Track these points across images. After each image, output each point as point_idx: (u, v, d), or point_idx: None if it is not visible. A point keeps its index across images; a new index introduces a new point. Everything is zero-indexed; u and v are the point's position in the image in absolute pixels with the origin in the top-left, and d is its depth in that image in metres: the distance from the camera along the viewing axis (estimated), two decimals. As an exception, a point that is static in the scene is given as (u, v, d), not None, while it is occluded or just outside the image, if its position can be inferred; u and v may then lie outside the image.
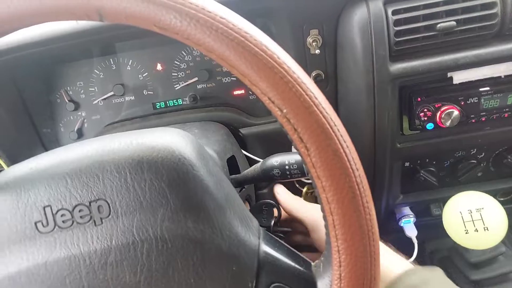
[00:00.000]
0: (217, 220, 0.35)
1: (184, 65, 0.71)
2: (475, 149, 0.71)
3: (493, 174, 0.74)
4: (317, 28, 0.61)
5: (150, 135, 0.37)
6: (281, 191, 0.61)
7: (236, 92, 0.72)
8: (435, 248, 0.89)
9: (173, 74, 0.71)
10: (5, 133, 0.69)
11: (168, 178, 0.34)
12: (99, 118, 0.74)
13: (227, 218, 0.36)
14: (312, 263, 0.39)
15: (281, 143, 0.56)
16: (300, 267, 0.38)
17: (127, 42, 0.70)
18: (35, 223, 0.34)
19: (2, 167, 0.68)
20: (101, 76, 0.72)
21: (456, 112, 0.59)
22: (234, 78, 0.71)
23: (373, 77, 0.58)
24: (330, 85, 0.66)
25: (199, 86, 0.72)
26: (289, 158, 0.49)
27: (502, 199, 0.81)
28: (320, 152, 0.29)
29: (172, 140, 0.37)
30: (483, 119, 0.62)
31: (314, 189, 0.30)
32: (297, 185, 0.75)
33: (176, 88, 0.72)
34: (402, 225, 0.76)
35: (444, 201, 0.77)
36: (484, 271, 0.73)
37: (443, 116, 0.60)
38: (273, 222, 0.57)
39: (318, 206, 0.45)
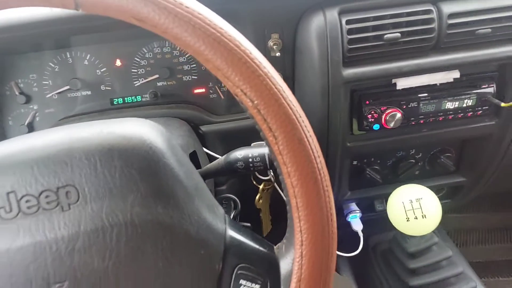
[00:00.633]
0: (186, 206, 0.36)
1: (145, 62, 0.71)
2: (414, 150, 0.78)
3: (428, 173, 0.82)
4: (278, 32, 0.64)
5: (121, 124, 0.38)
6: None
7: (197, 91, 0.73)
8: (377, 242, 0.96)
9: (132, 70, 0.71)
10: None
11: (139, 166, 0.35)
12: (53, 111, 0.72)
13: (196, 205, 0.37)
14: (275, 246, 0.42)
15: (241, 140, 0.59)
16: (263, 249, 0.40)
17: (85, 36, 0.69)
18: None
19: None
20: (56, 70, 0.70)
21: (399, 115, 0.66)
22: (195, 77, 0.72)
23: (328, 80, 0.63)
24: (289, 87, 0.69)
25: (159, 84, 0.72)
26: (252, 151, 0.51)
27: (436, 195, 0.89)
28: (287, 141, 0.32)
29: (143, 129, 0.38)
30: (422, 121, 0.69)
31: (279, 176, 0.33)
32: (254, 182, 0.78)
33: (135, 85, 0.72)
34: (349, 220, 0.81)
35: (386, 197, 0.84)
36: (420, 260, 0.80)
37: (387, 118, 0.66)
38: (232, 215, 0.60)
39: None
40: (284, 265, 0.38)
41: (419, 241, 0.76)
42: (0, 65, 0.69)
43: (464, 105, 0.69)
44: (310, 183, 0.32)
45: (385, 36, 0.60)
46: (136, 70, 0.71)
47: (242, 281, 0.38)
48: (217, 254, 0.38)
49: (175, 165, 0.37)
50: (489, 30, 0.64)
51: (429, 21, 0.62)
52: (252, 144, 0.55)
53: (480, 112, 0.71)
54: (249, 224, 0.63)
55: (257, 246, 0.40)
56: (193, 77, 0.72)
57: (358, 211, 0.82)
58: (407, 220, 0.55)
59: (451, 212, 1.42)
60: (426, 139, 0.72)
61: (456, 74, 0.67)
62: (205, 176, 0.56)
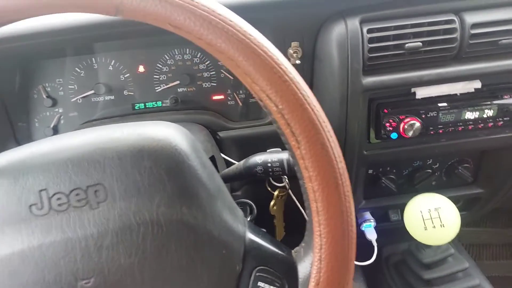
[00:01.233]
0: (209, 208, 0.37)
1: (166, 68, 0.73)
2: (431, 160, 0.78)
3: (445, 183, 0.81)
4: (298, 40, 0.65)
5: (150, 126, 0.39)
6: None
7: (216, 97, 0.74)
8: (390, 253, 0.96)
9: (155, 76, 0.73)
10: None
11: (167, 167, 0.36)
12: (77, 115, 0.74)
13: (218, 207, 0.38)
14: (293, 250, 0.42)
15: (257, 146, 0.59)
16: (282, 253, 0.41)
17: (111, 42, 0.71)
18: (30, 206, 0.34)
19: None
20: (81, 74, 0.72)
21: (417, 124, 0.66)
22: (215, 84, 0.74)
23: (347, 88, 0.63)
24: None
25: (179, 90, 0.74)
26: (271, 157, 0.52)
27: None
28: (310, 145, 0.32)
29: (170, 132, 0.39)
30: (441, 131, 0.69)
31: (300, 181, 0.34)
32: (268, 189, 0.78)
33: (157, 90, 0.74)
34: (363, 229, 0.81)
35: (401, 207, 0.84)
36: (435, 271, 0.79)
37: (406, 127, 0.66)
38: (249, 220, 0.60)
39: None
40: (302, 268, 0.39)
41: (435, 252, 0.75)
42: (29, 69, 0.72)
43: (485, 115, 0.69)
44: (332, 188, 0.32)
45: (406, 45, 0.61)
46: (158, 76, 0.73)
47: (260, 283, 0.38)
48: (238, 256, 0.38)
49: (199, 167, 0.39)
50: (512, 40, 0.64)
51: (451, 31, 0.62)
52: (268, 150, 0.55)
53: (501, 123, 0.71)
54: (264, 230, 0.63)
55: (275, 250, 0.41)
56: (212, 84, 0.74)
57: (372, 220, 0.82)
58: (425, 229, 0.54)
59: (466, 225, 1.40)
60: (445, 149, 0.72)
61: (477, 84, 0.67)
62: (224, 180, 0.57)
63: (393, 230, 0.89)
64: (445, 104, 0.67)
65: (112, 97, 0.74)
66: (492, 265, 1.36)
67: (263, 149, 0.56)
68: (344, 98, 0.64)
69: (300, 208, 0.73)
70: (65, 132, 0.73)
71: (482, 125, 0.70)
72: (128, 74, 0.73)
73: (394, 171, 0.79)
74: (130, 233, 0.35)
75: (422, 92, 0.65)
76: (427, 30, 0.61)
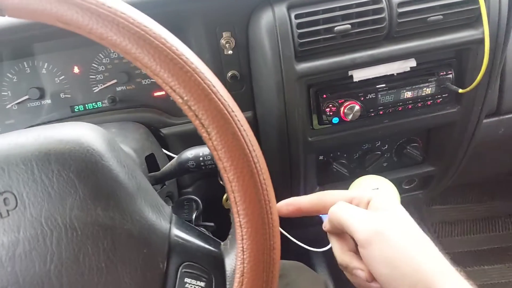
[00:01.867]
0: (127, 207, 0.37)
1: (102, 68, 0.71)
2: (379, 142, 0.79)
3: (396, 164, 0.82)
4: (229, 30, 0.64)
5: (59, 128, 0.38)
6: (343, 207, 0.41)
7: (157, 94, 0.73)
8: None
9: (91, 76, 0.71)
10: None
11: (76, 169, 0.35)
12: (14, 122, 0.72)
13: (138, 205, 0.38)
14: (222, 243, 0.42)
15: (202, 141, 0.58)
16: (209, 247, 0.40)
17: (42, 43, 0.69)
18: None
19: None
20: (14, 80, 0.70)
21: (357, 107, 0.66)
22: (154, 80, 0.72)
23: (282, 76, 0.63)
24: (246, 85, 0.70)
25: (118, 89, 0.72)
26: (203, 150, 0.51)
27: (407, 187, 0.90)
28: (220, 136, 0.32)
29: (81, 132, 0.38)
30: (381, 112, 0.70)
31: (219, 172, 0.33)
32: (221, 182, 0.78)
33: (94, 91, 0.72)
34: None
35: (355, 190, 0.84)
36: None
37: (345, 110, 0.66)
38: (194, 216, 0.60)
39: (376, 216, 0.38)
40: (229, 260, 0.38)
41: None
42: (-43, 78, 0.69)
43: (423, 93, 0.70)
44: (246, 177, 0.32)
45: (336, 28, 0.61)
46: (94, 76, 0.71)
47: (187, 279, 0.38)
48: (161, 253, 0.38)
49: (115, 166, 0.38)
50: (441, 17, 0.64)
51: (379, 11, 0.62)
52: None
53: (440, 100, 0.72)
54: (212, 224, 0.63)
55: (202, 244, 0.40)
56: (152, 80, 0.72)
57: (329, 206, 0.82)
58: None
59: (435, 204, 1.43)
60: (388, 130, 0.73)
61: (412, 63, 0.67)
62: (162, 178, 0.56)
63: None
64: (383, 85, 0.68)
65: (49, 101, 0.72)
66: (462, 240, 1.40)
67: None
68: (280, 86, 0.63)
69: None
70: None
71: (421, 103, 0.71)
72: (63, 76, 0.71)
73: (345, 155, 0.79)
74: (43, 239, 0.34)
75: (359, 75, 0.66)
76: (356, 11, 0.61)
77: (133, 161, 0.56)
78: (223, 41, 0.64)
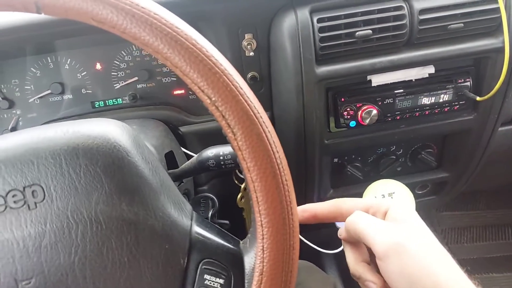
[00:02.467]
0: (151, 203, 0.37)
1: (124, 65, 0.72)
2: (394, 146, 0.79)
3: (410, 169, 0.83)
4: (251, 32, 0.65)
5: (86, 124, 0.39)
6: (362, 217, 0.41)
7: (176, 92, 0.74)
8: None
9: (112, 73, 0.72)
10: None
11: (103, 164, 0.36)
12: (35, 116, 0.73)
13: (161, 202, 0.38)
14: (241, 241, 0.42)
15: (219, 140, 0.59)
16: (229, 245, 0.41)
17: (66, 40, 0.70)
18: None
19: None
20: (37, 74, 0.71)
21: (374, 111, 0.66)
22: (174, 78, 0.73)
23: (302, 79, 0.63)
24: (265, 86, 0.70)
25: (139, 86, 0.73)
26: (223, 150, 0.52)
27: (420, 192, 0.90)
28: (245, 136, 0.32)
29: (108, 128, 0.39)
30: (398, 117, 0.70)
31: (242, 172, 0.34)
32: (236, 182, 0.79)
33: (115, 88, 0.73)
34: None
35: (368, 194, 0.85)
36: None
37: (363, 114, 0.67)
38: (210, 213, 0.60)
39: (394, 228, 0.37)
40: (249, 259, 0.39)
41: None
42: (-17, 72, 0.70)
43: (441, 100, 0.70)
44: (269, 178, 0.33)
45: (357, 33, 0.61)
46: (116, 73, 0.72)
47: (206, 276, 0.38)
48: (182, 249, 0.39)
49: (140, 163, 0.39)
50: (461, 25, 0.64)
51: (400, 17, 0.63)
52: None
53: (457, 107, 0.72)
54: (227, 222, 0.64)
55: (222, 242, 0.41)
56: (172, 78, 0.73)
57: (342, 209, 0.82)
58: None
59: (446, 210, 1.43)
60: (404, 135, 0.73)
61: (431, 69, 0.67)
62: (180, 176, 0.57)
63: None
64: (401, 90, 0.68)
65: (71, 96, 0.73)
66: (472, 247, 1.39)
67: (225, 142, 0.55)
68: (300, 89, 0.64)
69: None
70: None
71: (438, 109, 0.71)
72: (85, 72, 0.72)
73: (359, 159, 0.79)
74: (69, 232, 0.35)
75: (377, 80, 0.66)
76: (377, 17, 0.62)
77: (153, 154, 0.57)
78: (244, 43, 0.65)
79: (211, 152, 0.53)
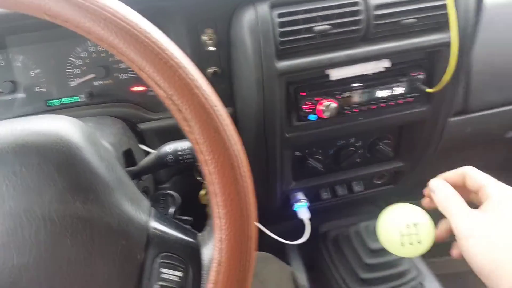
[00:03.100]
0: (106, 200, 0.37)
1: (80, 62, 0.70)
2: (353, 138, 0.81)
3: (369, 160, 0.85)
4: (212, 27, 0.65)
5: (36, 121, 0.38)
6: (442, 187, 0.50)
7: (134, 89, 0.72)
8: (326, 230, 0.99)
9: (67, 70, 0.70)
10: None
11: (56, 161, 0.35)
12: (-14, 116, 0.70)
13: (117, 199, 0.38)
14: (199, 233, 0.42)
15: (179, 136, 0.58)
16: (186, 237, 0.41)
17: (17, 36, 0.67)
18: None
19: None
20: (-14, 73, 0.68)
21: (333, 105, 0.68)
22: (132, 75, 0.72)
23: (262, 73, 0.64)
24: (227, 81, 0.70)
25: (95, 83, 0.71)
26: (181, 145, 0.52)
27: (378, 181, 0.93)
28: (202, 130, 0.32)
29: (59, 125, 0.38)
30: (356, 110, 0.72)
31: (199, 165, 0.34)
32: (197, 178, 0.78)
33: (71, 85, 0.70)
34: (295, 209, 0.83)
35: (329, 185, 0.87)
36: (379, 257, 0.84)
37: (323, 108, 0.68)
38: (173, 210, 0.60)
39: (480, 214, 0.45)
40: (207, 250, 0.39)
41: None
42: None
43: (396, 92, 0.72)
44: (227, 170, 0.33)
45: (315, 28, 0.62)
46: (71, 70, 0.70)
47: (163, 269, 0.38)
48: (139, 245, 0.38)
49: (94, 160, 0.38)
50: (414, 20, 0.67)
51: (356, 12, 0.64)
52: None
53: (412, 99, 0.75)
54: (190, 218, 0.63)
55: (180, 235, 0.41)
56: (129, 75, 0.71)
57: (305, 200, 0.84)
58: (402, 245, 0.53)
59: (407, 199, 1.47)
60: (363, 127, 0.75)
61: (386, 63, 0.70)
62: (139, 172, 0.56)
63: (326, 208, 0.92)
64: (358, 84, 0.70)
65: (23, 95, 0.70)
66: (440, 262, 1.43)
67: (184, 138, 0.55)
68: (260, 83, 0.64)
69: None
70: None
71: (394, 102, 0.73)
72: (38, 70, 0.69)
73: (320, 151, 0.81)
74: (22, 231, 0.34)
75: (335, 74, 0.67)
76: (335, 13, 0.63)
77: (109, 151, 0.55)
78: (205, 38, 0.64)
79: (169, 147, 0.52)
